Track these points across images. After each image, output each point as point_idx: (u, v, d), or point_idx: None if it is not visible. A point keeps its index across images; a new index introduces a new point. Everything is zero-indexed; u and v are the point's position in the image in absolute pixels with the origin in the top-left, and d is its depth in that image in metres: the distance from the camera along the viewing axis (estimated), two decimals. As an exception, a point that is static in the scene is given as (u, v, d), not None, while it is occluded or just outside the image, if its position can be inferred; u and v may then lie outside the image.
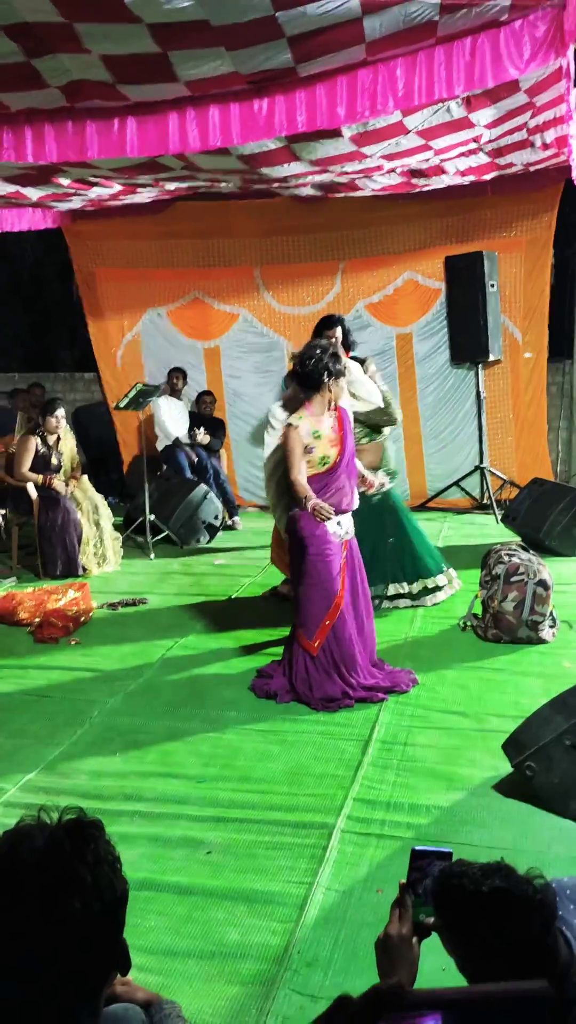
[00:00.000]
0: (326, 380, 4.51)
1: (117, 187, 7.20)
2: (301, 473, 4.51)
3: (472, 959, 1.53)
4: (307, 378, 4.54)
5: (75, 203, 8.20)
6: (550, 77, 5.17)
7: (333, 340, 7.17)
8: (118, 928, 1.40)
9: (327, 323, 7.45)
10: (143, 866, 3.05)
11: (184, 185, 7.39)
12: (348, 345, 7.40)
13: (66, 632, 5.66)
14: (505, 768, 3.57)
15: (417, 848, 1.79)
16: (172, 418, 9.15)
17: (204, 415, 9.35)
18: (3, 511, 7.59)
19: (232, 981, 2.52)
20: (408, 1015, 1.32)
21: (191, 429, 9.18)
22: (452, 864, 1.65)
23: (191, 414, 9.37)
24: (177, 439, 9.02)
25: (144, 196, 8.06)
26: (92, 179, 6.76)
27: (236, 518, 9.02)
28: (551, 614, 5.32)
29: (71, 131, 5.02)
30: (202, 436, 9.11)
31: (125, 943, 1.42)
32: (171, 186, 7.38)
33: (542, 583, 5.27)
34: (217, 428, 9.39)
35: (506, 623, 5.24)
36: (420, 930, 1.68)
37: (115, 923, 1.39)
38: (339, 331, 7.35)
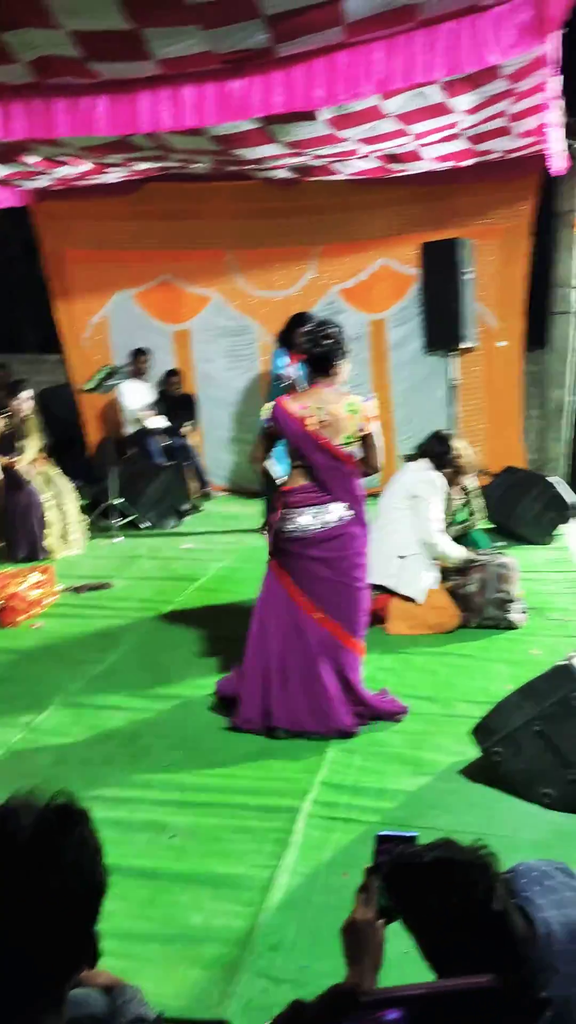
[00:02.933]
0: (338, 360, 4.16)
1: (86, 166, 7.10)
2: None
3: (430, 937, 1.53)
4: (323, 357, 4.14)
5: (42, 182, 8.06)
6: (532, 64, 5.14)
7: None
8: (91, 918, 1.38)
9: (301, 320, 7.44)
10: (106, 850, 3.00)
11: (155, 165, 7.30)
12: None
13: (28, 615, 5.60)
14: (472, 753, 3.58)
15: (382, 833, 1.78)
16: (136, 401, 9.08)
17: (172, 395, 9.27)
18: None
19: (195, 964, 2.51)
20: (370, 1014, 1.32)
21: (171, 418, 9.06)
22: (398, 851, 1.65)
23: (161, 394, 9.28)
24: (144, 427, 8.94)
25: (114, 176, 7.95)
26: (60, 158, 6.66)
27: (207, 490, 9.08)
28: (520, 600, 5.35)
29: (39, 108, 4.91)
30: (188, 429, 9.06)
31: (96, 935, 1.40)
32: (142, 166, 7.29)
33: (503, 565, 5.39)
34: (187, 405, 9.32)
35: (474, 604, 5.31)
36: (385, 915, 1.67)
37: (89, 911, 1.37)
38: None
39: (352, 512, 4.09)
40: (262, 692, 4.06)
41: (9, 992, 1.28)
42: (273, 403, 4.16)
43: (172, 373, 9.37)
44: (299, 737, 3.94)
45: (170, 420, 9.12)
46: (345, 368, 4.20)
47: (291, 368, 6.36)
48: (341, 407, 4.05)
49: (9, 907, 1.28)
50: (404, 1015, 1.43)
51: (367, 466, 4.14)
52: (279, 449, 4.33)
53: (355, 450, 4.11)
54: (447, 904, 1.48)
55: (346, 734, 3.93)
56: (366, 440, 4.09)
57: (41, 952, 1.30)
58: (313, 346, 4.14)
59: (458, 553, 5.42)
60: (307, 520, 4.08)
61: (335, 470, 4.06)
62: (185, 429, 9.13)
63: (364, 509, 4.17)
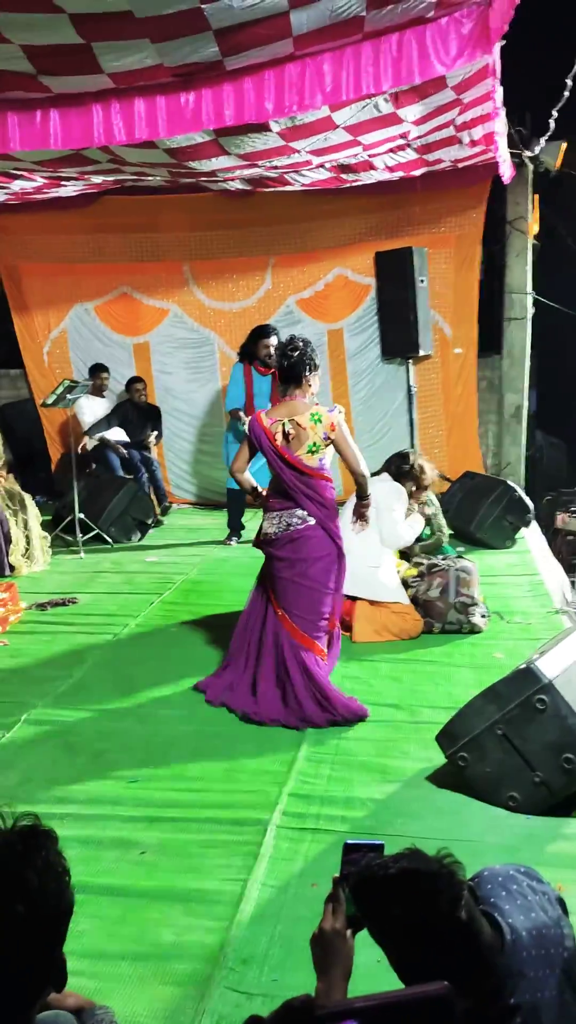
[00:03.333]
0: (308, 373, 4.40)
1: (41, 180, 7.08)
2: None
3: (397, 946, 1.54)
4: (291, 370, 4.39)
5: (-2, 196, 8.04)
6: (477, 74, 5.22)
7: (271, 348, 7.25)
8: (58, 941, 1.37)
9: (263, 332, 7.51)
10: (75, 869, 2.92)
11: (111, 179, 7.31)
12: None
13: (-6, 633, 5.55)
14: (439, 759, 3.60)
15: (349, 842, 1.79)
16: (95, 417, 9.02)
17: (138, 403, 9.04)
18: None
19: (167, 982, 2.49)
20: None
21: (137, 429, 8.94)
22: (361, 865, 1.66)
23: (125, 402, 9.09)
24: (103, 438, 8.88)
25: (70, 190, 7.94)
26: (15, 171, 6.63)
27: (165, 504, 9.03)
28: (482, 603, 5.41)
29: (-8, 123, 4.90)
30: (152, 439, 8.97)
31: (63, 958, 1.39)
32: (97, 179, 7.29)
33: (463, 569, 5.48)
34: (154, 417, 9.15)
35: (436, 609, 5.36)
36: (354, 923, 1.68)
37: (55, 934, 1.36)
38: (274, 340, 7.42)
39: (313, 518, 4.35)
40: (239, 679, 4.42)
41: None
42: (251, 416, 4.49)
43: (136, 380, 9.12)
44: (272, 725, 4.15)
45: (135, 430, 8.96)
46: (315, 380, 4.46)
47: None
48: (306, 418, 4.29)
49: None
50: None
51: (352, 472, 4.48)
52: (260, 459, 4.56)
53: (324, 459, 4.37)
54: (413, 915, 1.49)
55: (315, 726, 4.11)
56: (337, 446, 4.34)
57: (7, 976, 1.29)
58: (283, 359, 4.40)
59: (413, 533, 5.68)
60: (274, 523, 4.43)
61: (299, 480, 4.34)
62: (150, 441, 9.00)
63: (329, 515, 4.40)
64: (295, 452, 4.30)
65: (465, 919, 1.50)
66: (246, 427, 4.50)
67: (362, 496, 4.64)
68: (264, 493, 4.57)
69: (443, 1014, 1.44)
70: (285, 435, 4.31)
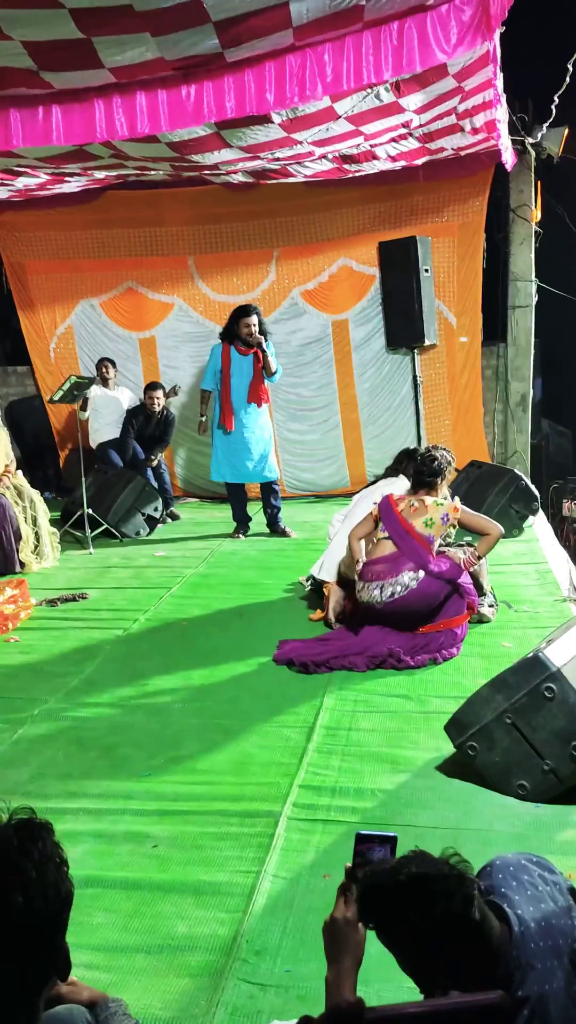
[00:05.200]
0: (440, 481, 5.15)
1: (44, 177, 7.08)
2: None
3: (409, 951, 1.55)
4: (429, 476, 5.13)
5: (1, 193, 8.04)
6: (477, 62, 5.20)
7: (252, 328, 7.30)
8: (59, 930, 1.39)
9: (244, 312, 7.54)
10: (88, 863, 3.02)
11: (113, 174, 7.30)
12: (264, 333, 7.49)
13: (4, 630, 5.57)
14: (448, 749, 3.60)
15: (362, 832, 1.79)
16: (105, 410, 9.02)
17: (151, 412, 8.75)
18: None
19: (181, 974, 2.51)
20: None
21: (147, 442, 8.82)
22: (365, 873, 1.66)
23: (140, 408, 8.86)
24: (113, 439, 8.86)
25: (73, 185, 7.94)
26: (18, 168, 6.63)
27: (173, 508, 8.96)
28: (491, 593, 5.40)
29: (-6, 120, 4.90)
30: (152, 458, 8.77)
31: (66, 947, 1.41)
32: (100, 175, 7.28)
33: None
34: (163, 428, 8.85)
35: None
36: (365, 916, 1.69)
37: (56, 924, 1.38)
38: (255, 319, 7.45)
39: (415, 580, 4.88)
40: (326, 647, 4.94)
41: None
42: (384, 497, 5.20)
43: (152, 387, 8.79)
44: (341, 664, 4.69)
45: (147, 443, 8.83)
46: (444, 487, 5.18)
47: None
48: (431, 500, 5.04)
49: None
50: None
51: (487, 532, 5.04)
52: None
53: (434, 537, 4.96)
54: (427, 920, 1.49)
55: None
56: (465, 524, 5.05)
57: (9, 967, 1.31)
58: (422, 465, 5.15)
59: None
60: (374, 592, 4.99)
61: (402, 541, 4.97)
62: (153, 459, 8.76)
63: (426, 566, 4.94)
64: (410, 520, 4.96)
65: (478, 919, 1.50)
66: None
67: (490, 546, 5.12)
68: None
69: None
70: (409, 506, 5.04)
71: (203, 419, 7.93)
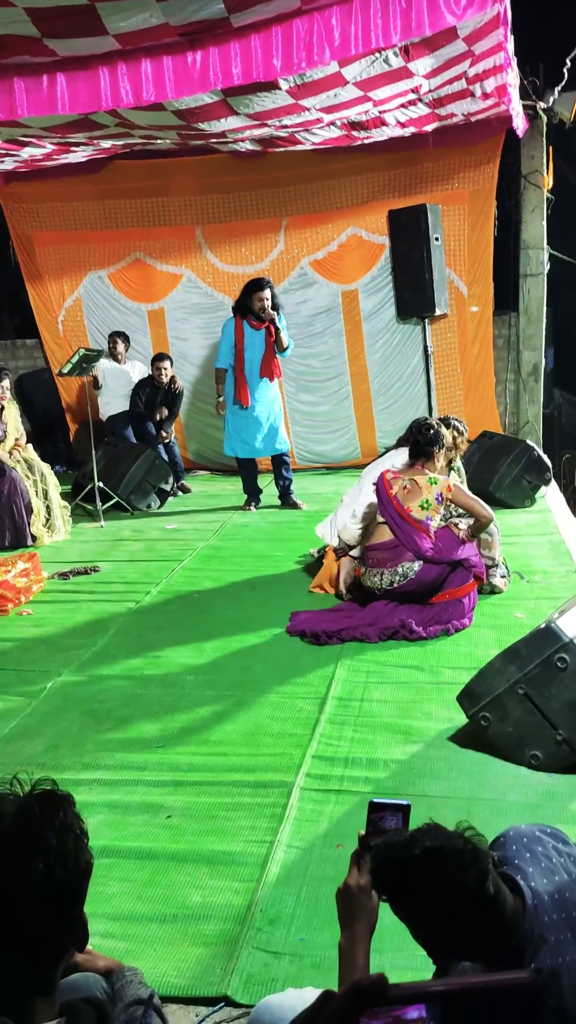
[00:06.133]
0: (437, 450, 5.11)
1: (50, 147, 7.02)
2: None
3: (422, 923, 1.55)
4: (424, 446, 5.09)
5: (7, 164, 7.99)
6: (488, 25, 5.11)
7: (265, 302, 7.21)
8: (78, 900, 1.40)
9: (257, 286, 7.44)
10: (103, 833, 3.05)
11: (120, 143, 7.23)
12: (276, 307, 7.40)
13: (17, 603, 5.59)
14: (460, 719, 3.61)
15: (375, 800, 1.79)
16: (115, 383, 8.99)
17: (159, 384, 8.66)
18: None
19: (196, 943, 2.53)
20: (391, 1008, 1.33)
21: (151, 405, 8.75)
22: (378, 845, 1.66)
23: (148, 380, 8.78)
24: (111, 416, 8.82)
25: (79, 155, 7.87)
26: (23, 138, 6.57)
27: (184, 482, 8.94)
28: (503, 564, 5.39)
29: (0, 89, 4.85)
30: (165, 434, 8.67)
31: (85, 918, 1.42)
32: (106, 144, 7.21)
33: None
34: (176, 399, 8.82)
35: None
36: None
37: (76, 894, 1.39)
38: (268, 293, 7.36)
39: (414, 568, 4.87)
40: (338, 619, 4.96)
41: None
42: (379, 477, 5.11)
43: (159, 358, 8.66)
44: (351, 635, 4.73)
45: (153, 415, 8.74)
46: (442, 457, 5.12)
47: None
48: (424, 479, 4.97)
49: None
50: (430, 1012, 1.43)
51: (477, 516, 4.98)
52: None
53: (431, 519, 4.92)
54: (442, 894, 1.49)
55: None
56: (458, 503, 4.99)
57: (28, 936, 1.32)
58: (418, 435, 5.09)
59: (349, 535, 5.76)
60: (376, 579, 5.01)
61: (399, 528, 4.92)
62: (166, 436, 8.69)
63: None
64: (405, 504, 4.91)
65: (492, 893, 1.50)
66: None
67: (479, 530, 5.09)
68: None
69: (531, 1005, 1.44)
70: (404, 488, 4.96)
71: (220, 399, 7.82)
